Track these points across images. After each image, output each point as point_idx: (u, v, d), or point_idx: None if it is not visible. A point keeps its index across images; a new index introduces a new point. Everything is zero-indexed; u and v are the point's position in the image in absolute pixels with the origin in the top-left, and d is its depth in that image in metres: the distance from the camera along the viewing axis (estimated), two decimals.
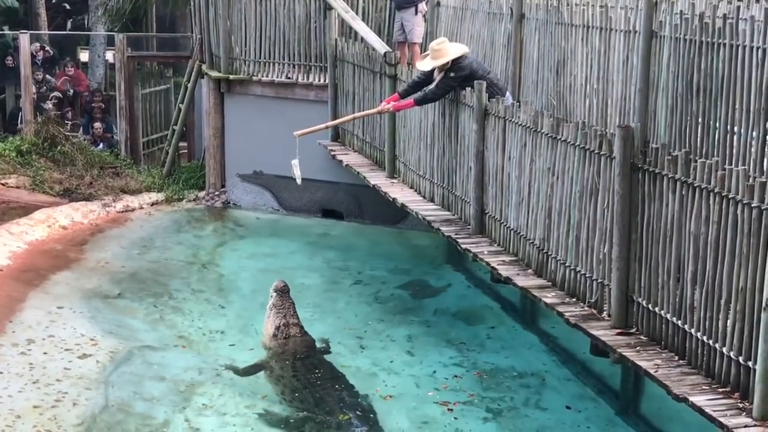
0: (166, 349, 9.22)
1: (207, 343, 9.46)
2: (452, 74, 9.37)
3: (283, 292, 9.18)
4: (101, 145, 16.34)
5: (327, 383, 8.36)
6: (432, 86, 9.56)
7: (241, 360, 8.95)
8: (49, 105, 16.91)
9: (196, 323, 9.97)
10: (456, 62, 9.39)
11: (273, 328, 9.07)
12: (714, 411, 5.76)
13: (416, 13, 12.31)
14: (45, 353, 8.71)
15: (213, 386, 8.40)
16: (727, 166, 6.65)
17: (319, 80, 13.18)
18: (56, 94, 17.34)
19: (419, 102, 9.69)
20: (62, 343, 8.97)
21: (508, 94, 9.66)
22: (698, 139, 8.11)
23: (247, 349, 9.26)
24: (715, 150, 7.88)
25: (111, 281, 10.97)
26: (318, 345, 9.17)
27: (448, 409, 8.07)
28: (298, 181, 10.09)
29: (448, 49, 9.41)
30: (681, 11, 8.47)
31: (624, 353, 6.64)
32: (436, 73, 9.55)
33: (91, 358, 8.69)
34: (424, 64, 9.66)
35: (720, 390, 5.99)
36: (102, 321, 9.70)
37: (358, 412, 7.92)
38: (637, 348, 6.68)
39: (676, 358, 6.46)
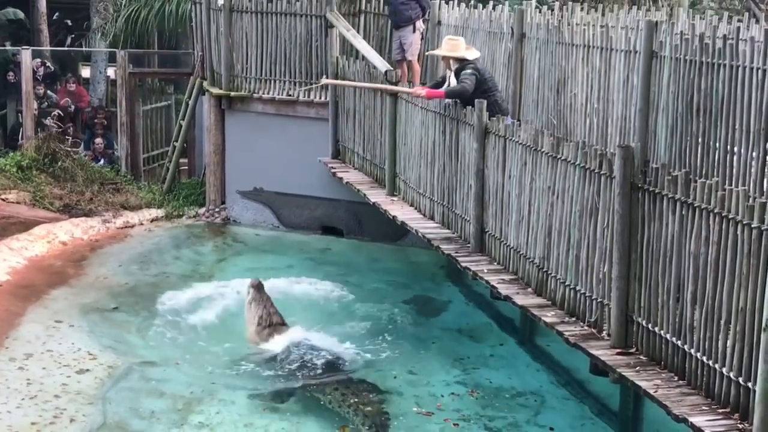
0: (164, 364, 9.20)
1: (205, 359, 9.44)
2: (468, 70, 9.45)
3: (260, 287, 9.95)
4: (102, 161, 16.35)
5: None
6: (455, 83, 9.58)
7: (239, 375, 8.92)
8: (50, 122, 16.92)
9: (195, 339, 9.94)
10: (470, 63, 9.55)
11: (256, 317, 9.76)
12: None
13: (414, 31, 12.32)
14: (43, 368, 8.68)
15: (211, 403, 8.38)
16: (727, 187, 6.63)
17: (320, 98, 13.21)
18: (57, 112, 17.34)
19: (449, 95, 9.63)
20: (60, 358, 8.95)
21: (508, 116, 9.66)
22: (698, 159, 8.13)
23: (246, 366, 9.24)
24: (715, 170, 7.89)
25: (110, 297, 10.95)
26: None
27: (454, 424, 8.05)
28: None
29: (461, 45, 9.70)
30: (681, 32, 8.52)
31: (624, 373, 6.63)
32: (448, 74, 9.66)
33: (90, 374, 8.67)
34: (436, 52, 10.12)
35: (720, 411, 5.98)
36: (101, 336, 9.69)
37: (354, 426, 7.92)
38: (637, 368, 6.67)
39: (676, 378, 6.45)
